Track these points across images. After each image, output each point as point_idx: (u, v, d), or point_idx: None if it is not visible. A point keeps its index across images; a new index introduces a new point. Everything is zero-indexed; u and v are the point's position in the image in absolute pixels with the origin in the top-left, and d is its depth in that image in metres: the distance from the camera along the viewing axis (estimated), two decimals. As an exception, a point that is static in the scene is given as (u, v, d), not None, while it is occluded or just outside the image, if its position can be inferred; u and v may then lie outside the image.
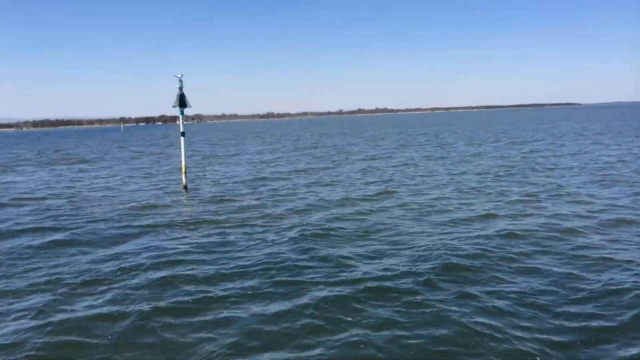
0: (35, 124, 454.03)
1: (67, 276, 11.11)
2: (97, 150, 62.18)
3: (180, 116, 21.63)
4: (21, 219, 17.57)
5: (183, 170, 22.13)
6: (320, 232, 14.01)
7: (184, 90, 21.05)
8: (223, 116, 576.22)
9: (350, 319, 8.34)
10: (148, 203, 19.48)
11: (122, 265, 11.61)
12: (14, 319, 8.94)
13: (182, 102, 21.00)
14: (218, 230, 14.78)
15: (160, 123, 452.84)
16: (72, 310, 9.21)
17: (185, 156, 22.36)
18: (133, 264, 11.77)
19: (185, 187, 22.13)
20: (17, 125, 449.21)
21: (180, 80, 20.87)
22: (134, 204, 19.50)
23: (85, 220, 16.90)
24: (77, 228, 15.63)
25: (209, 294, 9.65)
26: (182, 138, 22.08)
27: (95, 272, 11.30)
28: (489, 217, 15.25)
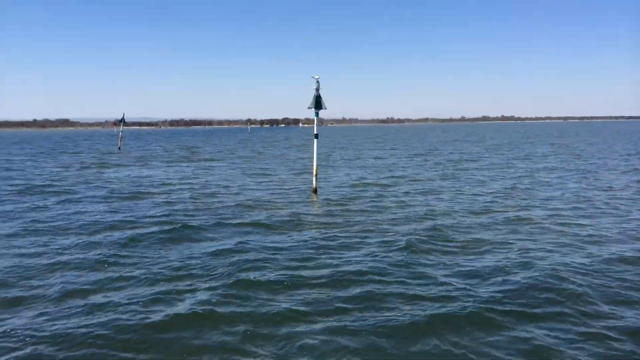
0: (172, 123, 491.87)
1: (184, 269, 11.27)
2: (223, 148, 65.30)
3: (315, 118, 21.48)
4: (150, 211, 18.40)
5: (314, 172, 21.94)
6: (435, 243, 13.08)
7: (320, 92, 20.91)
8: (343, 120, 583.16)
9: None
10: (277, 204, 19.54)
11: (244, 263, 11.48)
12: (125, 309, 9.05)
13: (317, 103, 20.84)
14: (344, 234, 14.43)
15: (284, 125, 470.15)
16: (179, 304, 9.20)
17: (317, 158, 22.11)
18: (255, 262, 11.73)
19: (315, 191, 21.92)
20: (155, 124, 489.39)
21: (317, 82, 20.73)
22: (262, 203, 19.66)
23: (210, 215, 17.29)
24: (202, 223, 15.95)
25: (326, 298, 9.37)
26: (315, 140, 21.94)
27: (213, 268, 11.42)
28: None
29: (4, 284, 10.52)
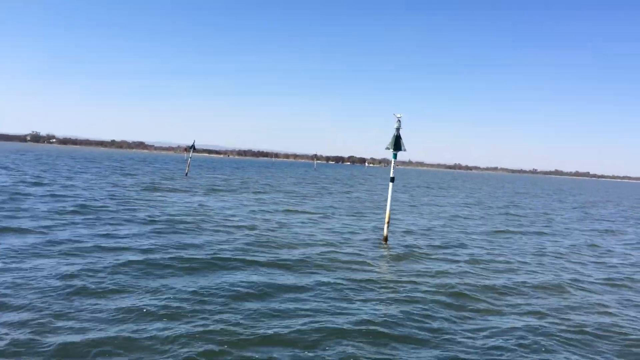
0: (239, 153, 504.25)
1: (235, 324, 9.31)
2: (288, 182, 64.17)
3: (393, 160, 19.49)
4: (222, 245, 16.86)
5: (386, 219, 19.75)
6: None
7: (401, 132, 19.01)
8: (409, 163, 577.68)
9: None
10: (341, 251, 17.59)
11: (309, 323, 9.45)
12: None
13: (397, 144, 18.91)
14: (416, 299, 12.26)
15: (349, 163, 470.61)
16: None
17: (391, 204, 20.02)
18: (317, 322, 9.84)
19: (386, 239, 19.78)
20: (224, 152, 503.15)
21: (399, 120, 18.84)
22: (326, 249, 17.78)
23: (271, 258, 15.51)
24: (255, 258, 14.14)
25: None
26: (390, 184, 19.85)
27: (264, 324, 9.51)
28: None
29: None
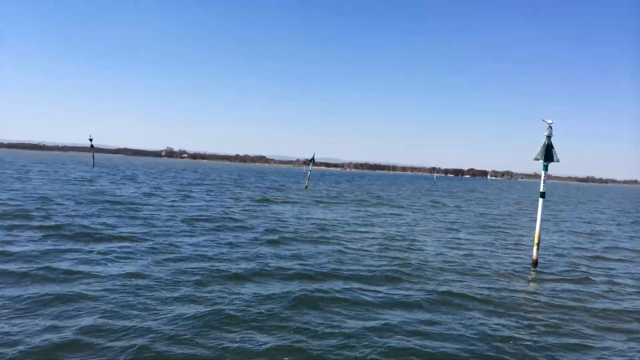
0: (356, 166, 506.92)
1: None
2: (410, 195, 61.57)
3: (544, 172, 16.78)
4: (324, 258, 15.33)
5: (535, 240, 17.01)
6: None
7: (552, 140, 16.32)
8: (534, 175, 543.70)
9: None
10: (481, 280, 15.23)
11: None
12: None
13: (548, 154, 16.25)
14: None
15: (469, 176, 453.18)
16: None
17: (541, 224, 17.26)
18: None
19: (535, 264, 17.07)
20: (341, 165, 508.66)
21: (550, 127, 16.19)
22: (460, 277, 15.50)
23: (386, 272, 13.57)
24: (379, 282, 12.29)
25: None
26: (540, 200, 17.11)
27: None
28: None
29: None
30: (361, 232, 24.30)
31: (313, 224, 26.20)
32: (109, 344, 8.75)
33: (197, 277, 13.36)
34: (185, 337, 9.22)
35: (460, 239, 23.90)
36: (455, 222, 31.74)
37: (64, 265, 13.84)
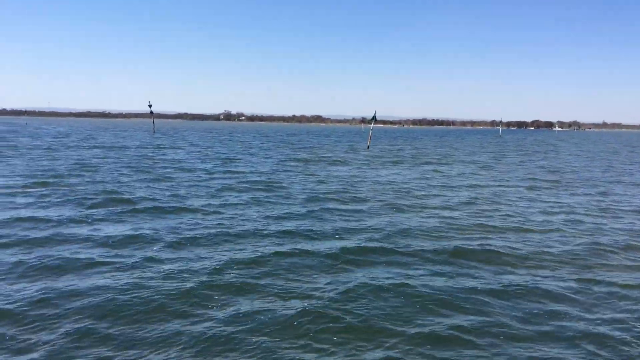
0: (414, 122, 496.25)
1: None
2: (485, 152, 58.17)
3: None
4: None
5: None
6: None
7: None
8: (604, 125, 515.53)
9: None
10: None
11: None
12: None
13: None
14: None
15: (532, 128, 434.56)
16: None
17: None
18: None
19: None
20: (399, 122, 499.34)
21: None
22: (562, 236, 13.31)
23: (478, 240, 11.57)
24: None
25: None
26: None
27: None
28: None
29: None
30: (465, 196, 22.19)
31: (392, 186, 24.31)
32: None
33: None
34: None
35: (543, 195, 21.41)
36: (534, 178, 28.94)
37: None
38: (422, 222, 16.00)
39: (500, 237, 14.24)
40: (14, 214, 15.81)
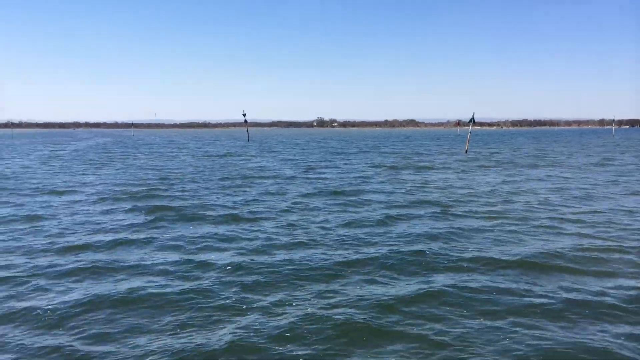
0: (514, 123, 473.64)
1: None
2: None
3: None
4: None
5: None
6: None
7: None
8: None
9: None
10: None
11: None
12: None
13: None
14: None
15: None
16: None
17: None
18: None
19: None
20: (497, 124, 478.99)
21: None
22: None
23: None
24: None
25: None
26: None
27: None
28: None
29: None
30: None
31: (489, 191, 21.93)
32: None
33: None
34: None
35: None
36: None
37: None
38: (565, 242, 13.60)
39: None
40: (100, 218, 15.58)
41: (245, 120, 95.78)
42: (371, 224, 15.45)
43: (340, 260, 11.44)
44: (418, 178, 28.34)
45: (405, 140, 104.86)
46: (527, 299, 9.05)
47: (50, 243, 13.13)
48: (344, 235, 13.88)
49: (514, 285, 9.76)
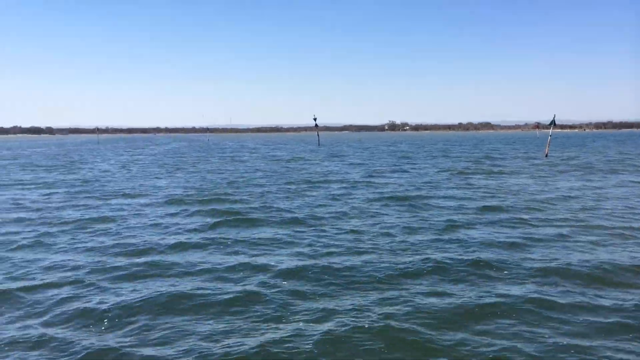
0: (597, 125, 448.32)
1: None
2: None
3: None
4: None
5: None
6: None
7: None
8: None
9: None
10: None
11: None
12: None
13: None
14: None
15: None
16: None
17: None
18: None
19: None
20: (579, 126, 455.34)
21: None
22: None
23: None
24: None
25: None
26: None
27: None
28: None
29: None
30: None
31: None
32: None
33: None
34: None
35: None
36: None
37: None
38: None
39: None
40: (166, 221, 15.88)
41: (316, 125, 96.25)
42: (436, 231, 14.75)
43: (402, 267, 10.95)
44: (490, 183, 27.04)
45: (478, 144, 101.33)
46: (603, 315, 8.14)
47: (114, 245, 13.47)
48: (406, 242, 13.34)
49: (587, 299, 8.85)
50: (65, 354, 7.29)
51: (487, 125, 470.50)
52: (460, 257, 11.65)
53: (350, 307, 8.75)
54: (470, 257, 11.60)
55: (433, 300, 9.04)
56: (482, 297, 9.11)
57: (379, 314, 8.34)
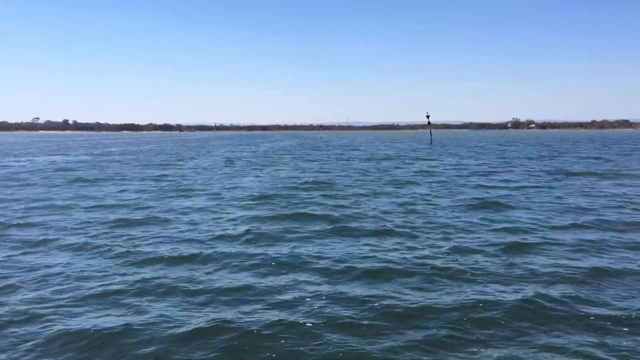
0: None
1: None
2: None
3: None
4: None
5: None
6: None
7: None
8: None
9: None
10: None
11: None
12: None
13: None
14: None
15: None
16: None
17: None
18: None
19: None
20: None
21: None
22: None
23: None
24: None
25: None
26: None
27: None
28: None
29: None
30: None
31: None
32: None
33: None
34: None
35: None
36: None
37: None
38: None
39: None
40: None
41: (429, 122, 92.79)
42: (533, 250, 12.27)
43: (490, 299, 8.83)
44: (616, 192, 23.10)
45: (613, 145, 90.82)
46: None
47: (169, 241, 12.95)
48: (493, 262, 11.11)
49: None
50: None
51: (624, 124, 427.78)
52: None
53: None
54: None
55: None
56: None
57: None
